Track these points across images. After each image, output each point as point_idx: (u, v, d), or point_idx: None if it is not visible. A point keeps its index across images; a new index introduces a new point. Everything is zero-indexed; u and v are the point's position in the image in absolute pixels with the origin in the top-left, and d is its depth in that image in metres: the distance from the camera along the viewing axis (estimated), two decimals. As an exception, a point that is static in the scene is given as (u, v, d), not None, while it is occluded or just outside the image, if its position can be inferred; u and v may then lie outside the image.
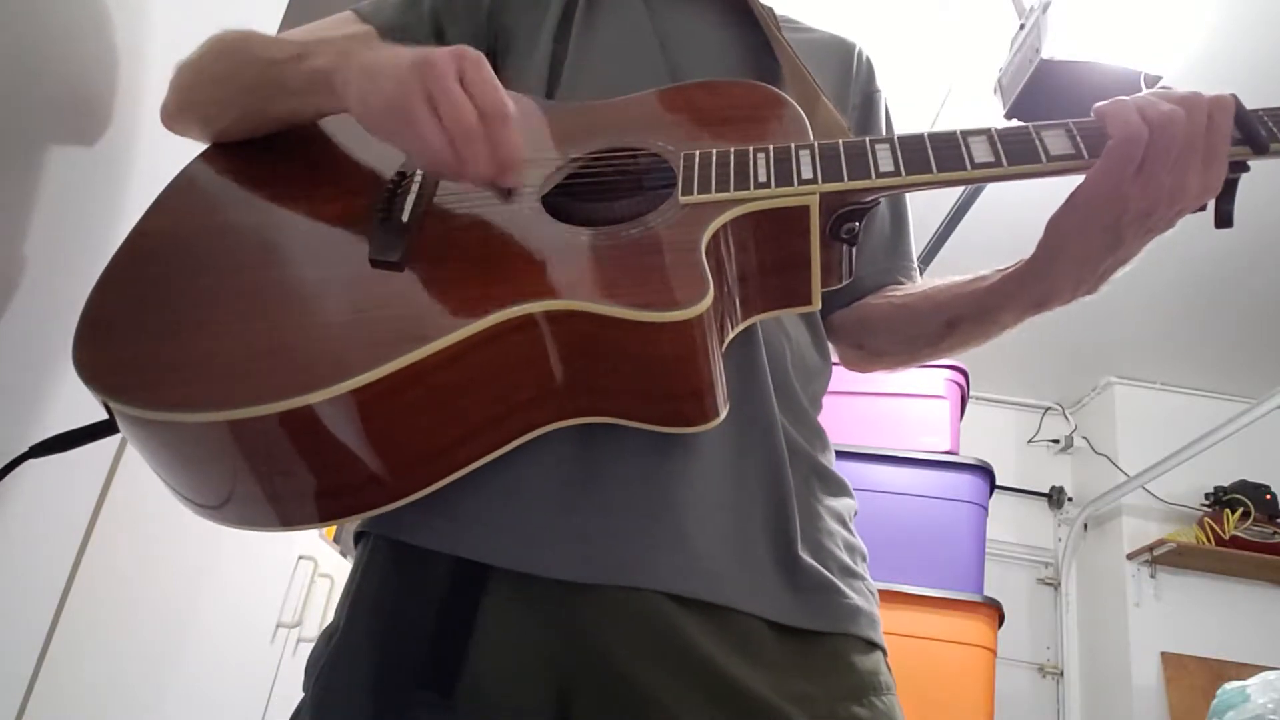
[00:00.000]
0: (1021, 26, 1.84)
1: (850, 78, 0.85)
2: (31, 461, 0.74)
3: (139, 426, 0.51)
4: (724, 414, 0.56)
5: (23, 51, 0.66)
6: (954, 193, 2.60)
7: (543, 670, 0.56)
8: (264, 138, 0.67)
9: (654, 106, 0.68)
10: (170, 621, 1.14)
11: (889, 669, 0.64)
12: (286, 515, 0.53)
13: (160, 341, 0.53)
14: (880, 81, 0.87)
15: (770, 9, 0.81)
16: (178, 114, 0.70)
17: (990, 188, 2.49)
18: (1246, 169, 0.55)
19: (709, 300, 0.50)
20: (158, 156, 0.66)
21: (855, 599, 0.63)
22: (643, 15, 0.79)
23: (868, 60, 0.88)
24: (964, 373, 2.38)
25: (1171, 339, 3.30)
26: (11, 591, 0.78)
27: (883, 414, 2.32)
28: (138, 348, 0.53)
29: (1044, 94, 1.71)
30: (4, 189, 0.67)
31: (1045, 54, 1.73)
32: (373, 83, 0.55)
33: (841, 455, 2.22)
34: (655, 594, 0.57)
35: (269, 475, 0.51)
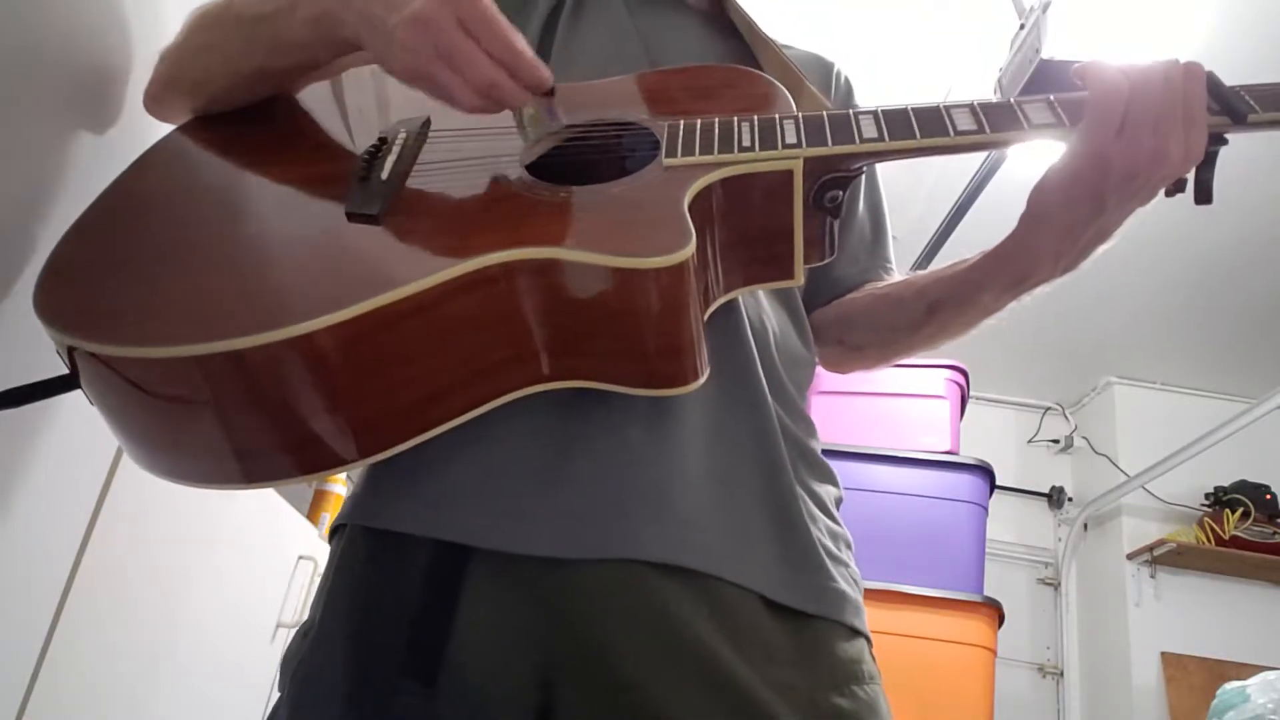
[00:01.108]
0: (1021, 26, 1.84)
1: (829, 94, 0.86)
2: (33, 460, 0.75)
3: (100, 370, 0.49)
4: (704, 377, 0.55)
5: (36, 40, 0.66)
6: (954, 193, 2.60)
7: (525, 653, 0.55)
8: (243, 109, 0.66)
9: (638, 86, 0.68)
10: (170, 621, 1.14)
11: (873, 658, 0.63)
12: (250, 470, 0.51)
13: (126, 285, 0.52)
14: (859, 97, 0.89)
15: (753, 22, 0.82)
16: (162, 92, 0.69)
17: (992, 187, 2.50)
18: (1225, 142, 0.56)
19: (691, 248, 0.50)
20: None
21: (842, 584, 0.63)
22: (626, 19, 0.80)
23: (846, 78, 0.89)
24: (964, 373, 2.38)
25: (1171, 339, 3.29)
26: (11, 591, 0.78)
27: (883, 414, 2.32)
28: (102, 290, 0.52)
29: (1044, 94, 1.71)
30: (18, 175, 0.67)
31: (1045, 54, 1.73)
32: (385, 43, 0.56)
33: (842, 455, 2.22)
34: (640, 566, 0.56)
35: (233, 423, 0.49)
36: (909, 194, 2.60)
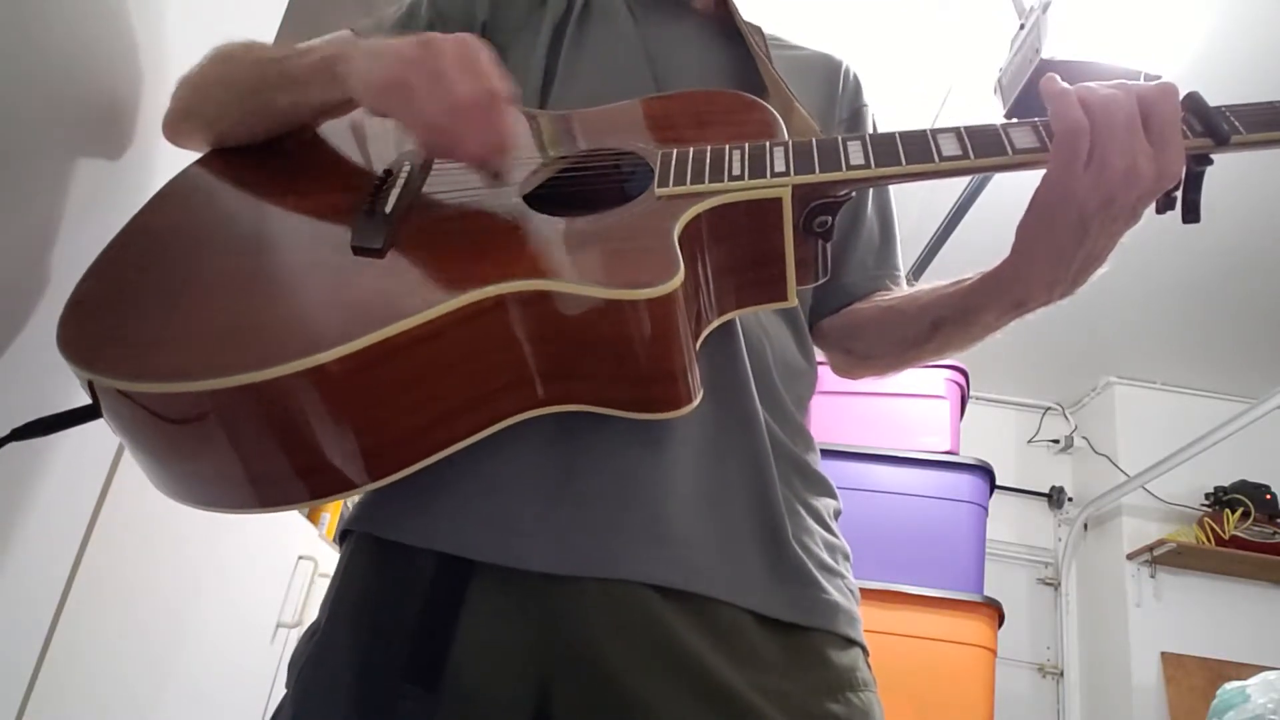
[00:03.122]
0: (1021, 26, 1.84)
1: (837, 93, 0.86)
2: (33, 461, 0.75)
3: (120, 402, 0.51)
4: (698, 400, 0.57)
5: (49, 67, 0.66)
6: (949, 200, 2.60)
7: (524, 663, 0.57)
8: (259, 145, 0.68)
9: (636, 113, 0.70)
10: (170, 621, 1.14)
11: (869, 666, 0.64)
12: (264, 495, 0.53)
13: (143, 319, 0.54)
14: (868, 95, 0.89)
15: (758, 27, 0.83)
16: (180, 122, 0.71)
17: (986, 195, 2.50)
18: (1210, 162, 0.55)
19: (679, 279, 0.51)
20: (178, 169, 0.68)
21: (835, 596, 0.64)
22: (631, 32, 0.81)
23: (855, 77, 0.89)
24: (964, 373, 2.38)
25: (1171, 339, 3.29)
26: (11, 591, 0.78)
27: (883, 414, 2.32)
28: (121, 325, 0.54)
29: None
30: (31, 200, 0.67)
31: (1045, 54, 1.73)
32: (376, 62, 0.57)
33: (842, 455, 2.22)
34: (637, 585, 0.58)
35: (247, 451, 0.51)
36: (908, 195, 2.59)
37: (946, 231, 2.72)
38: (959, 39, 2.21)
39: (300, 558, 1.64)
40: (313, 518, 1.92)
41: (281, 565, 1.59)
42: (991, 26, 2.03)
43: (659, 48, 0.80)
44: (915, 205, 2.62)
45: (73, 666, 0.89)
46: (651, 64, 0.78)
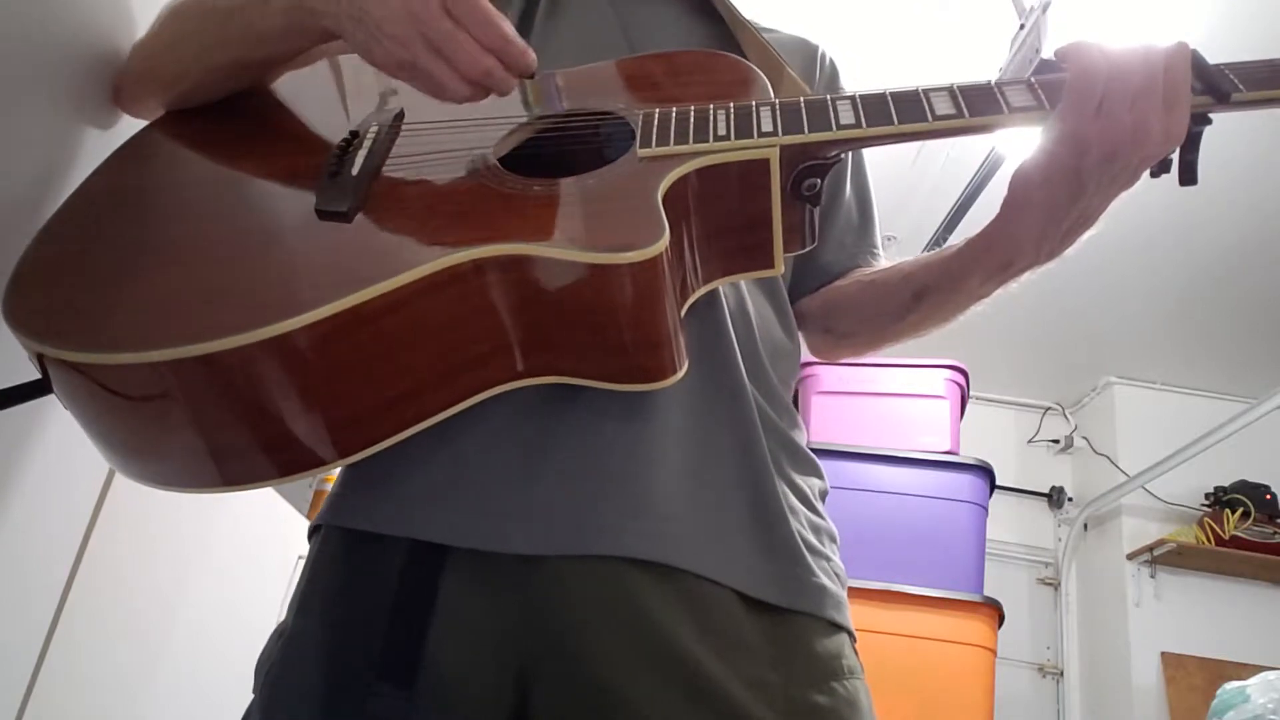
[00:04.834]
0: (1021, 26, 1.84)
1: (814, 77, 0.85)
2: (33, 461, 0.75)
3: (71, 375, 0.49)
4: (683, 371, 0.55)
5: (42, 39, 0.66)
6: (954, 194, 2.60)
7: (502, 653, 0.55)
8: (217, 103, 0.66)
9: (615, 74, 0.67)
10: (170, 622, 1.14)
11: (855, 653, 0.62)
12: (228, 473, 0.50)
13: (95, 287, 0.51)
14: (845, 81, 0.88)
15: (734, 7, 0.81)
16: (134, 86, 0.68)
17: (993, 186, 2.50)
18: (1208, 121, 0.55)
19: (664, 242, 0.49)
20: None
21: (821, 578, 0.62)
22: (606, 7, 0.79)
23: (831, 61, 0.88)
24: (964, 373, 2.38)
25: (1171, 339, 3.29)
26: (11, 591, 0.78)
27: (883, 414, 2.32)
28: (71, 294, 0.51)
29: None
30: (20, 173, 0.66)
31: (1045, 54, 1.73)
32: (369, 35, 0.55)
33: (842, 455, 2.22)
34: (616, 562, 0.55)
35: (207, 427, 0.48)
36: (909, 194, 2.60)
37: (946, 232, 2.72)
38: (959, 39, 2.21)
39: (300, 558, 1.64)
40: (312, 517, 1.93)
41: (281, 565, 1.59)
42: (991, 26, 2.03)
43: (637, 27, 0.78)
44: (915, 205, 2.62)
45: (72, 668, 0.89)
46: (630, 43, 0.76)
